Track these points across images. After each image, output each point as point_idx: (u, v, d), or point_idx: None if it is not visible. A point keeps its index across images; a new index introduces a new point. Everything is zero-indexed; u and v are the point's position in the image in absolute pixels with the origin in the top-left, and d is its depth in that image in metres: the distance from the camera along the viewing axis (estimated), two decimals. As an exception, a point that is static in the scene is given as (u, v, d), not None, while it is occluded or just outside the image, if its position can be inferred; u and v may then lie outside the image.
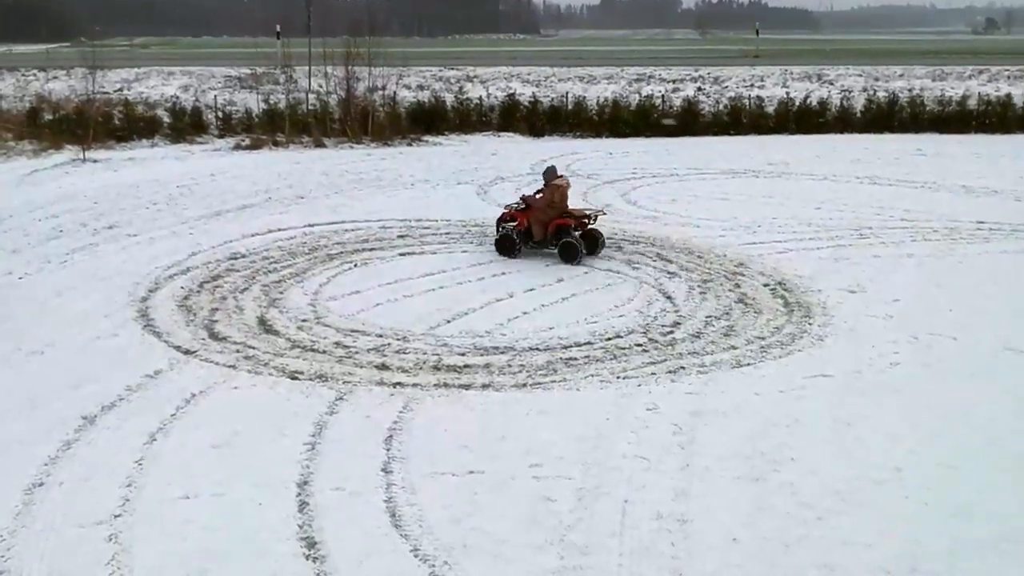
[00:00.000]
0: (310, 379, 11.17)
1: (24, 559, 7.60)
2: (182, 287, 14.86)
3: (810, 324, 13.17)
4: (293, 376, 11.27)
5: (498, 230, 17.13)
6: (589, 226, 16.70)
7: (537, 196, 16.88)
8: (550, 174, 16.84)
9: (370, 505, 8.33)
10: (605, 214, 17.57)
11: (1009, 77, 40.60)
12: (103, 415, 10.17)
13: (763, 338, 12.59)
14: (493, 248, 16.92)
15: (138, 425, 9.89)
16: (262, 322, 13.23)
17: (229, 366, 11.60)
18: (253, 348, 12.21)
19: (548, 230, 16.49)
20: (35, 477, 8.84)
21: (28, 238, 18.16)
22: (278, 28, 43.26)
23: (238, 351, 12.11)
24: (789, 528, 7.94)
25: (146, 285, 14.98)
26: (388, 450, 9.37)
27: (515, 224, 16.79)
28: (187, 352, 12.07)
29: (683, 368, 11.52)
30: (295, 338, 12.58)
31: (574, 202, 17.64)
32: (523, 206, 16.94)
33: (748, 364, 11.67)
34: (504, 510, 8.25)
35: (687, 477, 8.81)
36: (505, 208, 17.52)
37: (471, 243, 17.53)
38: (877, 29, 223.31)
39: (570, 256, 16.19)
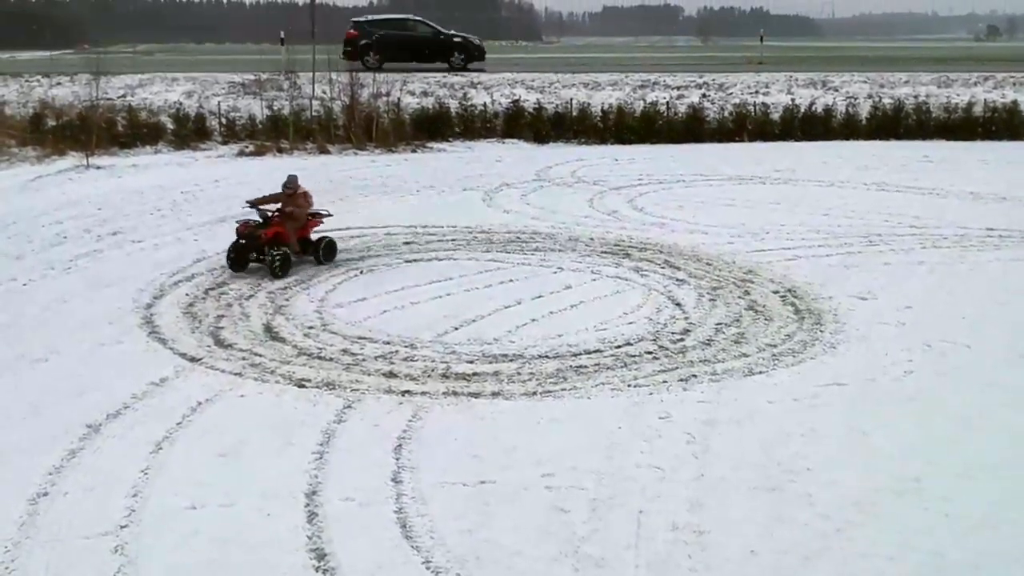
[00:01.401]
0: (317, 387, 11.04)
1: (28, 571, 7.46)
2: (187, 294, 14.73)
3: (822, 331, 13.03)
4: (300, 384, 11.14)
5: (230, 256, 15.86)
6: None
7: (275, 207, 16.24)
8: (293, 182, 16.18)
9: (380, 516, 8.19)
10: (331, 215, 17.43)
11: (1015, 84, 40.41)
12: (108, 423, 10.04)
13: (775, 346, 12.46)
14: (505, 253, 16.82)
15: (144, 434, 9.76)
16: (268, 329, 13.11)
17: (235, 374, 11.47)
18: (259, 355, 12.08)
19: (302, 235, 16.36)
20: (39, 487, 8.70)
21: (31, 244, 18.02)
22: (282, 34, 43.19)
23: (244, 358, 11.98)
24: (808, 541, 7.79)
25: (151, 292, 14.84)
26: (397, 459, 9.23)
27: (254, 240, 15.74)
28: (193, 359, 11.94)
29: (695, 376, 11.37)
30: (302, 345, 12.45)
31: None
32: (264, 219, 15.99)
33: (760, 372, 11.54)
34: (517, 521, 8.11)
35: (702, 487, 8.67)
36: (239, 223, 16.25)
37: (478, 249, 17.38)
38: (879, 36, 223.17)
39: (334, 253, 16.58)
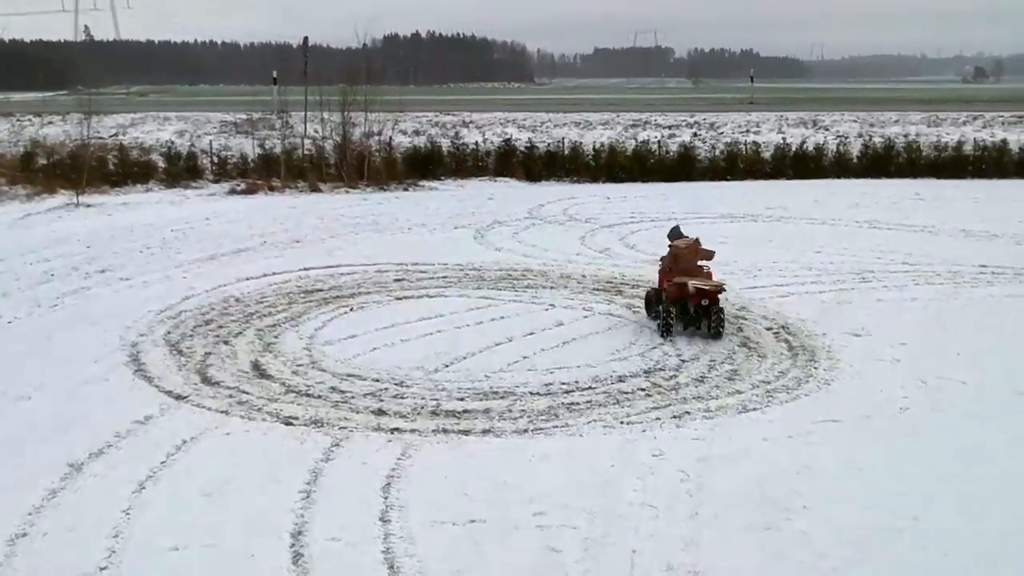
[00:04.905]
0: (305, 425, 10.85)
1: (4, 614, 7.24)
2: (174, 331, 14.55)
3: (816, 368, 12.90)
4: (287, 422, 10.94)
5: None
6: (707, 301, 14.21)
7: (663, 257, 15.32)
8: (672, 235, 15.45)
9: (367, 556, 7.98)
10: (725, 289, 14.63)
11: (1003, 123, 40.76)
12: (91, 462, 9.83)
13: (768, 382, 12.31)
14: (497, 290, 16.80)
15: (127, 472, 9.55)
16: (256, 366, 12.92)
17: (222, 412, 11.27)
18: (246, 393, 11.89)
19: (664, 294, 14.68)
20: (18, 527, 8.48)
21: (18, 282, 17.87)
22: (274, 74, 43.34)
23: (231, 396, 11.78)
24: (805, 580, 7.60)
25: (137, 329, 14.67)
26: (386, 498, 9.04)
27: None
28: (179, 397, 11.74)
29: (688, 413, 11.21)
30: (290, 383, 12.27)
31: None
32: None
33: (754, 409, 11.38)
34: (508, 561, 7.91)
35: (696, 526, 8.49)
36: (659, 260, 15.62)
37: (469, 287, 17.27)
38: (868, 78, 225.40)
39: (658, 327, 14.46)
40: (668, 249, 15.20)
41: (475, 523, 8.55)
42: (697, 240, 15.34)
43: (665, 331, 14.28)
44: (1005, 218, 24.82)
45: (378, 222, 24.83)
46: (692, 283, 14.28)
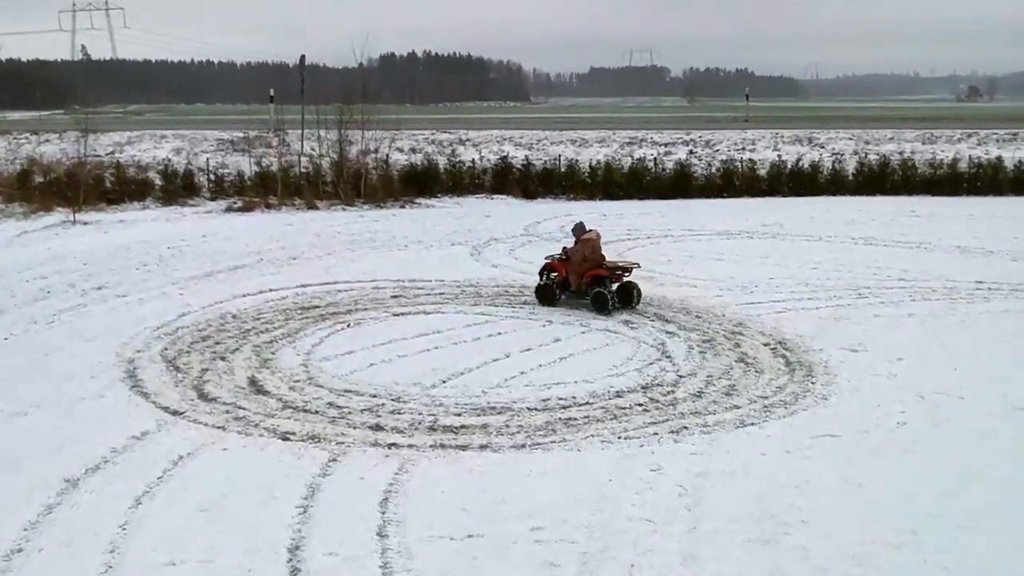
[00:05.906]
0: (302, 440, 10.82)
1: (-1, 630, 7.20)
2: (171, 348, 14.53)
3: (813, 383, 12.89)
4: (284, 437, 10.92)
5: (541, 279, 17.62)
6: (624, 279, 17.12)
7: (573, 249, 17.42)
8: (579, 230, 17.35)
9: (365, 571, 7.95)
10: (639, 267, 17.65)
11: (998, 140, 40.89)
12: (87, 478, 9.80)
13: (766, 397, 12.31)
14: (494, 306, 16.78)
15: (123, 488, 9.52)
16: (253, 382, 12.90)
17: (218, 427, 11.25)
18: (243, 409, 11.86)
19: (583, 280, 16.95)
20: (14, 543, 8.45)
21: (15, 299, 17.84)
22: (271, 92, 43.45)
23: (228, 412, 11.76)
24: (805, 594, 7.57)
25: (134, 346, 14.64)
26: (383, 513, 9.01)
27: (555, 275, 17.39)
28: (175, 413, 11.72)
29: (686, 428, 11.20)
30: (287, 398, 12.24)
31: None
32: (564, 257, 17.43)
33: (752, 424, 11.37)
34: (506, 576, 7.89)
35: (695, 540, 8.46)
36: (547, 258, 17.94)
37: (466, 303, 17.26)
38: (863, 97, 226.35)
39: (601, 306, 16.62)
40: (578, 241, 17.21)
41: (473, 538, 8.53)
42: (598, 232, 17.72)
43: (612, 309, 16.56)
44: (1000, 235, 24.87)
45: (375, 239, 24.84)
46: (623, 264, 17.40)
